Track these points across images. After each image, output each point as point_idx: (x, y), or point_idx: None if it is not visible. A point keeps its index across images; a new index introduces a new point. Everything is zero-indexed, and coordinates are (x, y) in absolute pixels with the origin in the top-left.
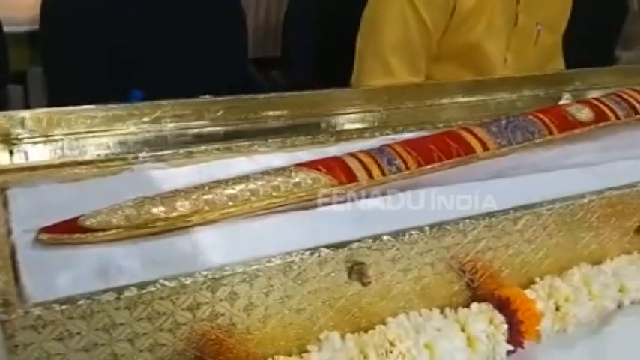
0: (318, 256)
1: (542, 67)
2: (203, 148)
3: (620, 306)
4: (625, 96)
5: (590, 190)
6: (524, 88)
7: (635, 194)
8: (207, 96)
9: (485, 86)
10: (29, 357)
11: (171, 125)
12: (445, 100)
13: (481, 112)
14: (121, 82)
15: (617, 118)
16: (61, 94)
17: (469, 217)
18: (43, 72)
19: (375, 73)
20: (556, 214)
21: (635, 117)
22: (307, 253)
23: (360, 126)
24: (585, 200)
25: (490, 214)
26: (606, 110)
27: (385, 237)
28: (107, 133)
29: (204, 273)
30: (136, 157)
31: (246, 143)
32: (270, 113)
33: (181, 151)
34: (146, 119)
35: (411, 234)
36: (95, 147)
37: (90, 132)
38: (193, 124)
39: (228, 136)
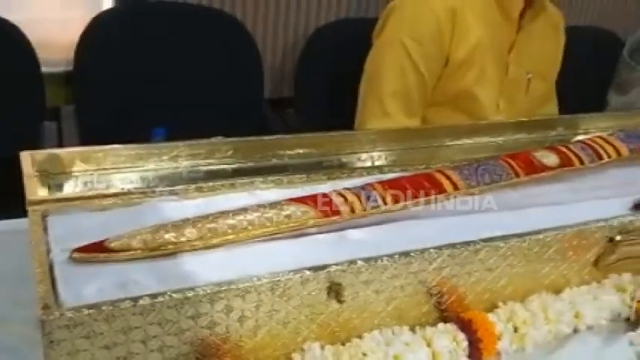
0: (301, 276)
1: (535, 112)
2: (211, 184)
3: (576, 331)
4: (591, 143)
5: (550, 227)
6: (510, 133)
7: (590, 231)
8: (219, 137)
9: (473, 131)
10: (62, 351)
11: (186, 163)
12: (434, 144)
13: (468, 155)
14: (146, 120)
15: (582, 163)
16: (91, 131)
17: (434, 247)
18: (74, 110)
19: (375, 117)
20: (515, 248)
21: (600, 162)
22: (292, 273)
23: (351, 166)
24: (541, 236)
25: (452, 245)
26: (572, 156)
27: (359, 262)
28: (130, 170)
29: (205, 288)
30: (154, 191)
31: (248, 180)
32: (273, 153)
33: (192, 186)
34: (165, 157)
35: (382, 260)
36: (120, 181)
37: (116, 168)
38: (204, 162)
39: (235, 174)
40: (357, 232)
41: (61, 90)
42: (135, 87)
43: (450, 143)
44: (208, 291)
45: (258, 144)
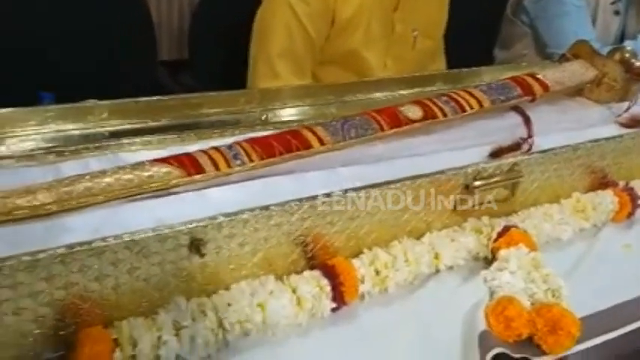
0: (158, 234)
1: (423, 68)
2: (73, 148)
3: (437, 271)
4: (455, 96)
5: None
6: (391, 89)
7: (445, 179)
8: (92, 100)
9: (356, 89)
10: None
11: (55, 127)
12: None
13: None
14: (33, 85)
15: (445, 115)
16: None
17: (294, 200)
18: None
19: (264, 77)
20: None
21: (462, 115)
22: (149, 231)
23: (223, 126)
24: (398, 185)
25: (313, 197)
26: (435, 109)
27: (220, 217)
28: None
29: (57, 249)
30: (12, 156)
31: (115, 143)
32: (149, 116)
33: (53, 151)
34: (32, 122)
35: (242, 214)
36: None
37: None
38: (76, 125)
39: (106, 137)
40: (221, 189)
41: None
42: (18, 50)
43: (334, 101)
44: (59, 252)
45: (133, 107)
